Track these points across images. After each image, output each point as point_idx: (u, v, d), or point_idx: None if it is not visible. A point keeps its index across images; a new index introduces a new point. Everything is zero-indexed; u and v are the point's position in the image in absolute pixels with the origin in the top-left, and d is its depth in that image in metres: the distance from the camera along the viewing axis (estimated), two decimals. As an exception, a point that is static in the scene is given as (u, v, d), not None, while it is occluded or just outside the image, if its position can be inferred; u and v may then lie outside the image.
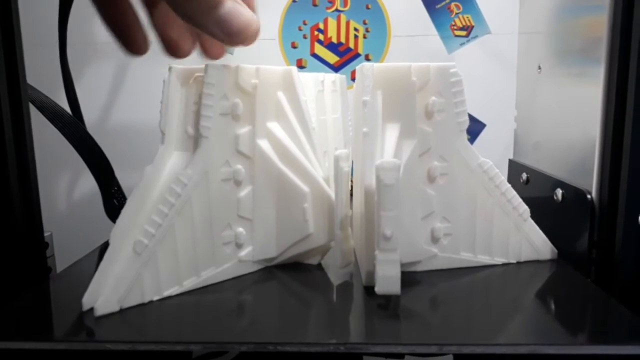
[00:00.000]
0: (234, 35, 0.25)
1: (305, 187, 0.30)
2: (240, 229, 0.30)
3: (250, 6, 0.27)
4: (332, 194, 0.30)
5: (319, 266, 0.32)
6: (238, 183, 0.29)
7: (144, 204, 0.27)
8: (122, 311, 0.25)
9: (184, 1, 0.24)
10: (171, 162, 0.28)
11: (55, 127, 0.38)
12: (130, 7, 0.26)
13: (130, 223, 0.26)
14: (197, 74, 0.29)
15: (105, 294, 0.24)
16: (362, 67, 0.28)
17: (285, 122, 0.30)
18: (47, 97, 0.38)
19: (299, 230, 0.30)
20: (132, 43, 0.27)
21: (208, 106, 0.27)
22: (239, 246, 0.30)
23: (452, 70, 0.29)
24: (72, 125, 0.39)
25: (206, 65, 0.28)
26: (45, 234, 0.32)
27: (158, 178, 0.27)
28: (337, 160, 0.28)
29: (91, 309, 0.24)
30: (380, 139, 0.28)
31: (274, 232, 0.31)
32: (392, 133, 0.28)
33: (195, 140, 0.28)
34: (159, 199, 0.26)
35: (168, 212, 0.26)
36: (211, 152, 0.28)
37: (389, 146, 0.27)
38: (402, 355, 0.33)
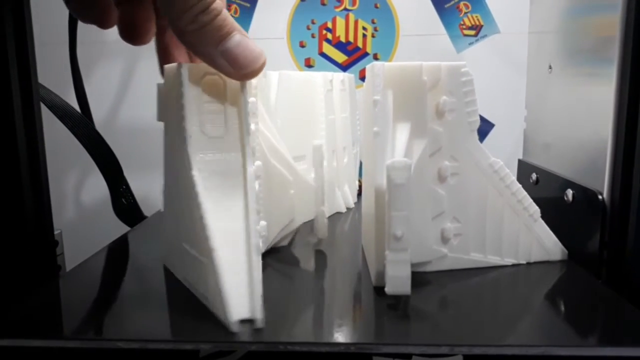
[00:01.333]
0: (241, 69, 0.25)
1: (290, 177, 0.33)
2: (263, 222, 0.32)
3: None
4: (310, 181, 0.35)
5: (324, 264, 0.32)
6: (258, 177, 0.31)
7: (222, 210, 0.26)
8: (129, 310, 0.25)
9: (191, 32, 0.23)
10: (210, 166, 0.27)
11: (66, 125, 0.38)
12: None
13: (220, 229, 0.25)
14: (207, 73, 0.29)
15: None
16: (373, 67, 0.28)
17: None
18: (57, 96, 0.38)
19: (286, 215, 0.33)
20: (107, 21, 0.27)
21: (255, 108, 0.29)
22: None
23: (463, 70, 0.28)
24: (81, 124, 0.40)
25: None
26: (55, 232, 0.32)
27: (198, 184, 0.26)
28: (316, 149, 0.34)
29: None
30: (391, 138, 0.28)
31: (271, 221, 0.33)
32: (402, 132, 0.28)
33: (218, 140, 0.27)
34: (248, 202, 0.26)
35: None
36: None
37: (400, 146, 0.27)
38: (409, 355, 0.33)
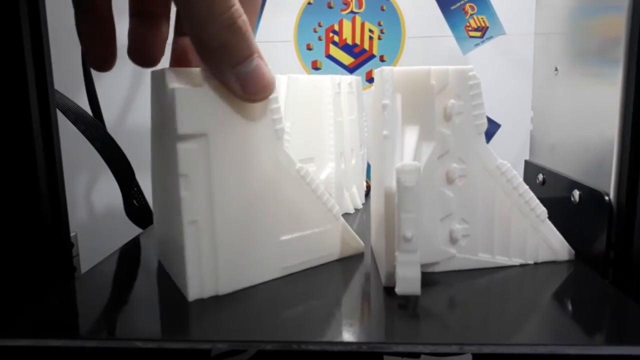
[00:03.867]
0: (252, 94, 0.24)
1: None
2: None
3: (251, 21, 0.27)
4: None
5: (334, 265, 0.33)
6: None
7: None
8: (145, 309, 0.26)
9: (211, 50, 0.23)
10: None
11: (79, 129, 0.39)
12: (109, 20, 0.26)
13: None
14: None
15: None
16: (382, 71, 0.28)
17: None
18: (70, 100, 0.39)
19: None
20: (99, 58, 0.27)
21: None
22: None
23: (470, 74, 0.29)
24: (94, 127, 0.40)
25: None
26: (71, 234, 0.32)
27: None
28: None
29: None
30: (400, 141, 0.28)
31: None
32: (411, 136, 0.28)
33: None
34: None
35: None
36: None
37: (409, 149, 0.28)
38: (418, 354, 0.33)
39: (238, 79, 0.24)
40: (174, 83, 0.25)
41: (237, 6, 0.22)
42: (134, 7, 0.28)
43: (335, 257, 0.33)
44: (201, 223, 0.26)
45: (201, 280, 0.27)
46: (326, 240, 0.32)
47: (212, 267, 0.27)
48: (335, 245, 0.33)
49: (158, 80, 0.27)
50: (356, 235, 0.34)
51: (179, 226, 0.26)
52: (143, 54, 0.27)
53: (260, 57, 0.24)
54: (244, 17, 0.23)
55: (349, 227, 0.34)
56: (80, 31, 0.26)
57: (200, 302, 0.27)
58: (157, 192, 0.32)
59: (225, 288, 0.28)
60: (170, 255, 0.30)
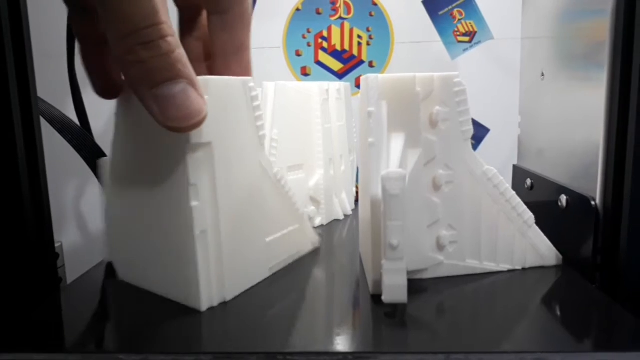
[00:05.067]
0: (169, 120, 0.22)
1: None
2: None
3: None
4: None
5: (322, 272, 0.32)
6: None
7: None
8: (130, 323, 0.25)
9: (125, 66, 0.22)
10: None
11: (65, 138, 0.38)
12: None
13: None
14: None
15: None
16: (367, 79, 0.28)
17: None
18: (56, 109, 0.38)
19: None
20: (104, 87, 0.28)
21: None
22: None
23: (455, 80, 0.29)
24: (80, 137, 0.40)
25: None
26: (56, 245, 0.32)
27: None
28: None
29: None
30: (386, 149, 0.28)
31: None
32: (397, 143, 0.28)
33: None
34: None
35: None
36: None
37: (395, 156, 0.28)
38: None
39: (156, 101, 0.22)
40: None
41: (164, 25, 0.21)
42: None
43: (302, 253, 0.35)
44: (209, 232, 0.27)
45: (211, 288, 0.27)
46: (297, 238, 0.34)
47: (219, 274, 0.27)
48: (303, 242, 0.35)
49: None
50: (314, 231, 0.37)
51: (184, 237, 0.26)
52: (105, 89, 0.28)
53: (192, 84, 0.23)
54: (171, 39, 0.21)
55: (309, 223, 0.36)
56: (87, 64, 0.28)
57: (184, 311, 0.26)
58: (117, 209, 0.31)
59: (230, 294, 0.28)
60: (153, 269, 0.29)
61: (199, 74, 0.25)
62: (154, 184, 0.27)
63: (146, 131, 0.27)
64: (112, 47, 0.22)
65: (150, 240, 0.29)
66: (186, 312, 0.26)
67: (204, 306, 0.27)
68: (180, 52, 0.22)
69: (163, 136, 0.25)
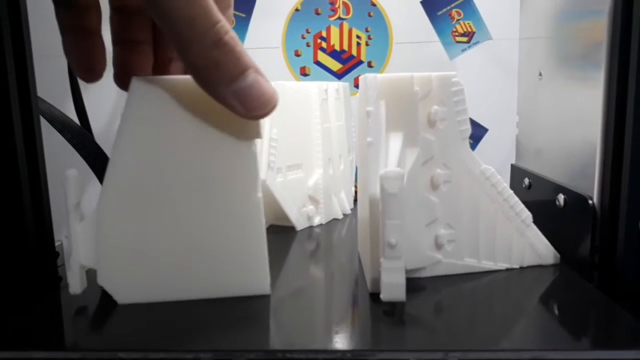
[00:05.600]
0: (252, 111, 0.23)
1: None
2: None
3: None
4: None
5: (321, 270, 0.32)
6: None
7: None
8: (129, 320, 0.26)
9: (200, 70, 0.22)
10: None
11: (65, 138, 0.38)
12: (97, 36, 0.26)
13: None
14: None
15: None
16: (366, 78, 0.29)
17: None
18: (56, 108, 0.39)
19: None
20: (90, 69, 0.27)
21: None
22: None
23: (453, 80, 0.29)
24: (80, 136, 0.40)
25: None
26: (56, 244, 0.32)
27: None
28: None
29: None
30: (384, 148, 0.28)
31: None
32: (395, 142, 0.29)
33: None
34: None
35: None
36: None
37: (393, 155, 0.28)
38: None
39: (236, 96, 0.23)
40: None
41: (222, 22, 0.22)
42: (117, 35, 0.28)
43: None
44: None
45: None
46: None
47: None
48: None
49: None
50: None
51: (251, 228, 0.28)
52: (129, 81, 0.27)
53: (258, 72, 0.23)
54: (232, 33, 0.22)
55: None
56: (72, 54, 0.27)
57: (182, 309, 0.27)
58: (126, 226, 0.27)
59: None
60: (202, 273, 0.28)
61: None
62: (204, 183, 0.27)
63: (192, 133, 0.27)
64: (182, 55, 0.22)
65: (199, 243, 0.28)
66: (185, 309, 0.27)
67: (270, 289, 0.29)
68: (240, 44, 0.23)
69: (219, 133, 0.26)
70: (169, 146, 0.27)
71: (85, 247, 0.27)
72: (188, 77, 0.24)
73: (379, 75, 0.28)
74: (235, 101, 0.23)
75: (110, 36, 0.28)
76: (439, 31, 0.54)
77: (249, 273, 0.28)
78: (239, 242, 0.28)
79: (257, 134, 0.27)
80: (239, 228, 0.28)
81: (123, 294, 0.28)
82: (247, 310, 0.27)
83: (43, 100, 0.36)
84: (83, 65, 0.27)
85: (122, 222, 0.27)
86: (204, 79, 0.23)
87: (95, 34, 0.26)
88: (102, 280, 0.28)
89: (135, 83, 0.27)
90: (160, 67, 0.29)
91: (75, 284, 0.27)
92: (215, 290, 0.28)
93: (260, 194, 0.28)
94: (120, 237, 0.27)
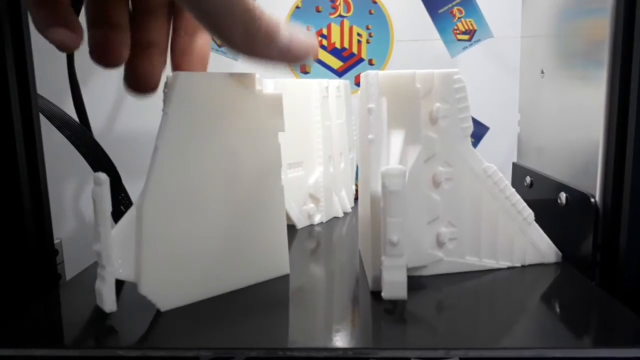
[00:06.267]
0: (300, 59, 0.25)
1: None
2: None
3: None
4: None
5: (322, 269, 0.32)
6: None
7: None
8: (131, 317, 0.25)
9: (243, 39, 0.23)
10: None
11: (64, 135, 0.38)
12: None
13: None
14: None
15: None
16: (367, 75, 0.28)
17: None
18: (55, 105, 0.38)
19: None
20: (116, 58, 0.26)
21: None
22: None
23: (455, 77, 0.29)
24: (79, 133, 0.40)
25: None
26: (55, 241, 0.32)
27: None
28: None
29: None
30: (386, 145, 0.28)
31: None
32: (397, 139, 0.28)
33: None
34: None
35: None
36: None
37: (395, 152, 0.28)
38: (407, 358, 0.33)
39: (280, 54, 0.24)
40: None
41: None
42: (95, 19, 0.27)
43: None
44: None
45: None
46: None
47: None
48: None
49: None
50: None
51: (276, 214, 0.30)
52: (140, 84, 0.26)
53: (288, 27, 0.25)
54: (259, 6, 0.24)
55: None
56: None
57: (184, 307, 0.26)
58: (171, 227, 0.26)
59: None
60: (242, 263, 0.29)
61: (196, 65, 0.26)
62: (236, 176, 0.28)
63: (227, 127, 0.28)
64: (235, 46, 0.23)
65: (233, 235, 0.28)
66: (184, 306, 0.26)
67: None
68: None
69: (251, 127, 0.28)
70: (207, 141, 0.27)
71: (122, 257, 0.25)
72: (223, 72, 0.27)
73: (380, 72, 0.28)
74: (283, 58, 0.24)
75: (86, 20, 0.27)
76: (440, 29, 0.54)
77: (273, 257, 0.31)
78: (266, 230, 0.30)
79: (281, 127, 0.30)
80: (266, 216, 0.30)
81: (167, 301, 0.26)
82: (247, 308, 0.27)
83: (42, 97, 0.36)
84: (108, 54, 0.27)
85: (166, 223, 0.26)
86: (249, 49, 0.24)
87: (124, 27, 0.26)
88: (145, 290, 0.25)
89: (177, 79, 0.25)
90: (138, 51, 0.28)
91: (110, 300, 0.25)
92: (245, 279, 0.29)
93: (282, 183, 0.30)
94: (164, 240, 0.26)
